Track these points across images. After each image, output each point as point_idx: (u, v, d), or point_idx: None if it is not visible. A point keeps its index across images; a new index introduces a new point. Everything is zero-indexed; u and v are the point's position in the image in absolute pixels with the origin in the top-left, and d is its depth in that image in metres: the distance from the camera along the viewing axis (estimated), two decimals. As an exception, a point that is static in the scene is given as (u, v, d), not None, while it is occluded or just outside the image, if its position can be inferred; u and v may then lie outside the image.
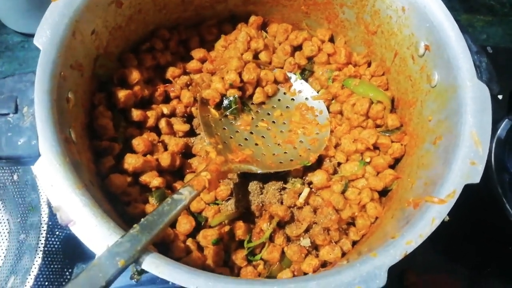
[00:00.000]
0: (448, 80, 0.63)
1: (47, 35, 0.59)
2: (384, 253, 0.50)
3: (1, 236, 0.93)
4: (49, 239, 0.91)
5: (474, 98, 0.59)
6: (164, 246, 0.66)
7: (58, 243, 0.92)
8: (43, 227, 0.92)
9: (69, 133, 0.59)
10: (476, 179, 0.54)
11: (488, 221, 0.91)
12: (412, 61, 0.73)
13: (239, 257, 0.68)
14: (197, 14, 0.87)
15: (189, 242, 0.68)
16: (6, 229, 0.94)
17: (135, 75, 0.74)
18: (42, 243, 0.90)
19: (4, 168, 0.98)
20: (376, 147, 0.78)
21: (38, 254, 0.89)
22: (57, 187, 0.51)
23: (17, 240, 0.92)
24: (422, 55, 0.70)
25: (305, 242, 0.71)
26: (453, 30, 0.63)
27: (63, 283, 0.88)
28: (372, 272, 0.48)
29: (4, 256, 0.91)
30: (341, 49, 0.85)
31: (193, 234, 0.69)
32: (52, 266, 0.90)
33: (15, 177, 0.99)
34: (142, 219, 0.51)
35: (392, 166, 0.78)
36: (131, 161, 0.67)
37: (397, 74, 0.79)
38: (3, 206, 0.95)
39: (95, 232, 0.49)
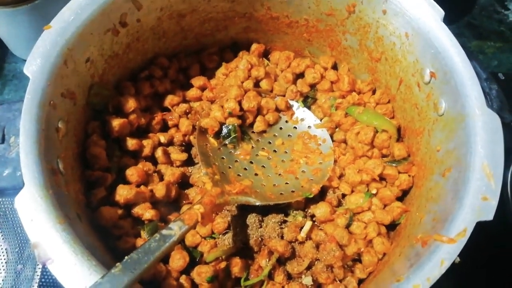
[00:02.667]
0: (455, 109, 0.60)
1: (37, 63, 0.58)
2: (388, 299, 0.45)
3: None
4: (46, 271, 0.88)
5: (484, 127, 0.55)
6: (155, 284, 0.62)
7: (54, 276, 0.90)
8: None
9: (56, 164, 0.56)
10: (489, 216, 0.49)
11: (506, 258, 0.85)
12: (418, 89, 0.70)
13: None
14: (197, 41, 0.86)
15: (183, 279, 0.64)
16: (4, 259, 0.92)
17: (131, 104, 0.72)
18: (38, 275, 0.87)
19: (5, 198, 0.97)
20: (382, 178, 0.74)
21: (33, 286, 0.86)
22: (37, 221, 0.48)
23: (14, 271, 0.90)
24: (428, 82, 0.66)
25: (307, 280, 0.66)
26: (459, 55, 0.60)
27: None
28: (375, 321, 0.43)
29: (1, 287, 0.89)
30: (344, 76, 0.82)
31: (187, 270, 0.65)
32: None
33: (15, 206, 0.98)
34: (126, 257, 0.48)
35: (400, 199, 0.73)
36: (122, 193, 0.64)
37: (403, 102, 0.75)
38: (2, 236, 0.93)
39: (74, 271, 0.46)
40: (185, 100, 0.83)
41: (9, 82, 1.03)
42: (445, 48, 0.62)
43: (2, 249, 0.92)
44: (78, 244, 0.48)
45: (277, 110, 0.83)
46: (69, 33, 0.61)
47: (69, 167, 0.60)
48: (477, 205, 0.50)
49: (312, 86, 0.85)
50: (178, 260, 0.64)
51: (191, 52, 0.87)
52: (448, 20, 0.63)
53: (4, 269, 0.90)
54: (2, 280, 0.89)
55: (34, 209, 0.48)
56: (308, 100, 0.86)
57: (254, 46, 0.87)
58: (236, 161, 0.76)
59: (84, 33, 0.63)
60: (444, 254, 0.48)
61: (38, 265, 0.89)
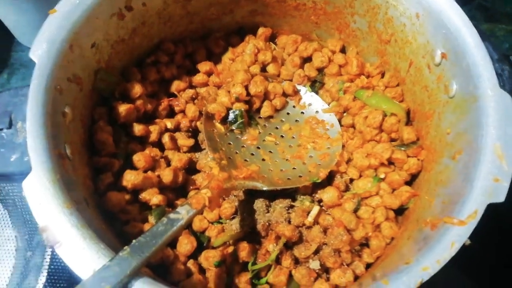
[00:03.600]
0: (467, 90, 0.58)
1: (43, 48, 0.57)
2: (396, 281, 0.45)
3: (9, 253, 0.91)
4: (55, 257, 0.89)
5: (497, 108, 0.53)
6: (163, 268, 0.62)
7: (63, 262, 0.90)
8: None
9: (64, 149, 0.56)
10: (500, 197, 0.48)
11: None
12: (428, 71, 0.68)
13: (242, 281, 0.63)
14: (203, 26, 0.85)
15: (190, 263, 0.64)
16: (14, 246, 0.93)
17: (137, 89, 0.71)
18: (47, 262, 0.88)
19: (14, 184, 0.97)
20: (391, 162, 0.73)
21: (42, 272, 0.86)
22: (45, 205, 0.48)
23: (24, 258, 0.90)
24: (439, 64, 0.65)
25: (315, 264, 0.66)
26: (472, 36, 0.58)
27: None
28: (384, 303, 0.43)
29: (11, 274, 0.90)
30: (352, 60, 0.80)
31: (194, 255, 0.65)
32: (56, 285, 0.88)
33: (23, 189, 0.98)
34: (134, 241, 0.48)
35: (408, 183, 0.72)
36: (130, 178, 0.64)
37: (413, 84, 0.74)
38: (12, 223, 0.94)
39: (82, 255, 0.46)
40: (191, 86, 0.83)
41: (17, 71, 1.03)
42: (457, 28, 0.60)
43: (11, 236, 0.93)
44: (86, 228, 0.48)
45: (284, 95, 0.82)
46: (75, 17, 0.60)
47: (76, 152, 0.60)
48: (488, 187, 0.49)
49: (320, 70, 0.84)
50: (185, 245, 0.64)
51: (197, 37, 0.86)
52: (459, 2, 0.62)
53: (14, 256, 0.91)
54: (13, 266, 0.90)
55: (42, 193, 0.49)
56: (315, 85, 0.84)
57: (261, 30, 0.86)
58: (243, 146, 0.75)
59: (90, 17, 0.62)
60: (455, 237, 0.47)
61: (47, 251, 0.90)
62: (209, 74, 0.83)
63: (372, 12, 0.74)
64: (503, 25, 1.12)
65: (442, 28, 0.62)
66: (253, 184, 0.68)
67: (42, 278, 0.86)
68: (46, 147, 0.52)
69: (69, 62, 0.60)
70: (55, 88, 0.57)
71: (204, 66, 0.83)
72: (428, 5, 0.63)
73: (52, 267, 0.88)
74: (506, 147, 0.51)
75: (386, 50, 0.77)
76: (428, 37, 0.66)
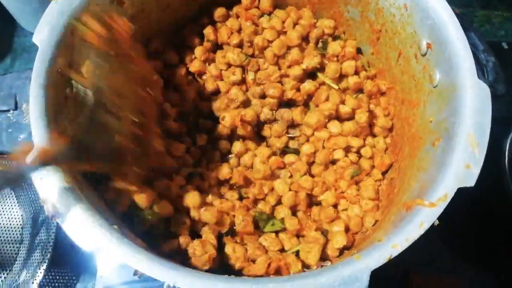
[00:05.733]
0: (448, 80, 0.61)
1: (45, 32, 0.60)
2: (368, 256, 0.48)
3: (15, 231, 0.95)
4: (60, 235, 0.92)
5: (473, 98, 0.56)
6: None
7: (67, 238, 0.93)
8: (53, 222, 0.93)
9: (65, 130, 0.60)
10: (470, 182, 0.51)
11: (501, 221, 0.87)
12: (415, 61, 0.70)
13: None
14: (201, 13, 0.87)
15: None
16: (20, 224, 0.96)
17: None
18: (52, 238, 0.91)
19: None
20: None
21: (48, 249, 0.90)
22: (46, 180, 0.52)
23: (30, 235, 0.94)
24: (425, 54, 0.67)
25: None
26: (454, 26, 0.60)
27: (73, 277, 0.89)
28: (354, 275, 0.46)
29: (18, 251, 0.94)
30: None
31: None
32: (62, 260, 0.92)
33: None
34: None
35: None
36: None
37: (402, 74, 0.76)
38: (17, 202, 0.97)
39: (83, 228, 0.50)
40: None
41: (19, 56, 1.06)
42: (441, 19, 0.62)
43: (18, 215, 0.96)
44: (85, 203, 0.52)
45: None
46: (76, 3, 0.63)
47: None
48: (460, 172, 0.52)
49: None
50: None
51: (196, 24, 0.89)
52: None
53: (20, 233, 0.94)
54: (20, 244, 0.94)
55: (43, 169, 0.52)
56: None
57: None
58: None
59: (90, 3, 0.65)
60: (424, 217, 0.50)
61: (52, 229, 0.93)
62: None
63: (364, 2, 0.76)
64: (499, 12, 1.13)
65: (427, 19, 0.64)
66: None
67: (48, 254, 0.90)
68: (48, 128, 0.56)
69: (70, 46, 0.63)
70: (57, 71, 0.60)
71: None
72: (416, -4, 0.66)
73: (57, 244, 0.91)
74: (480, 135, 0.54)
75: (378, 40, 0.80)
76: (415, 28, 0.68)
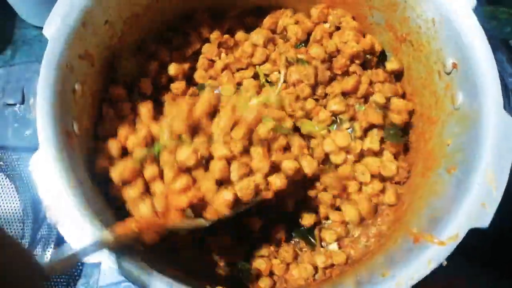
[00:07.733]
0: (471, 105, 0.58)
1: (56, 25, 0.58)
2: (370, 293, 0.47)
3: (17, 227, 0.93)
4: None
5: (497, 131, 0.53)
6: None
7: None
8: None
9: (71, 126, 0.59)
10: (484, 223, 0.49)
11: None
12: (438, 77, 0.67)
13: None
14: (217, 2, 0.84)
15: None
16: (21, 220, 0.93)
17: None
18: (54, 234, 0.90)
19: (23, 157, 0.96)
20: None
21: (50, 245, 0.89)
22: (49, 184, 0.51)
23: (32, 231, 0.91)
24: (449, 72, 0.64)
25: None
26: (484, 50, 0.57)
27: (75, 274, 0.89)
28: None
29: (20, 246, 0.92)
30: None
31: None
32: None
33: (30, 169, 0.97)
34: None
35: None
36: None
37: (423, 87, 0.73)
38: (19, 197, 0.94)
39: (81, 234, 0.49)
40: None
41: (20, 48, 1.02)
42: (470, 40, 0.59)
43: (19, 210, 0.93)
44: (86, 210, 0.51)
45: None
46: (86, -4, 0.61)
47: (83, 129, 0.63)
48: (474, 211, 0.50)
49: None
50: None
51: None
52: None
53: (21, 228, 0.92)
54: (21, 239, 0.93)
55: (47, 171, 0.51)
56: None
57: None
58: None
59: (101, -6, 0.62)
60: (432, 255, 0.49)
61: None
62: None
63: (391, 9, 0.73)
64: (506, 8, 1.07)
65: (456, 38, 0.61)
66: None
67: (50, 250, 0.88)
68: (54, 125, 0.54)
69: (81, 39, 0.61)
70: (66, 66, 0.59)
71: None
72: (446, 13, 0.62)
73: (59, 239, 0.88)
74: (499, 172, 0.51)
75: (401, 48, 0.76)
76: (441, 44, 0.64)
